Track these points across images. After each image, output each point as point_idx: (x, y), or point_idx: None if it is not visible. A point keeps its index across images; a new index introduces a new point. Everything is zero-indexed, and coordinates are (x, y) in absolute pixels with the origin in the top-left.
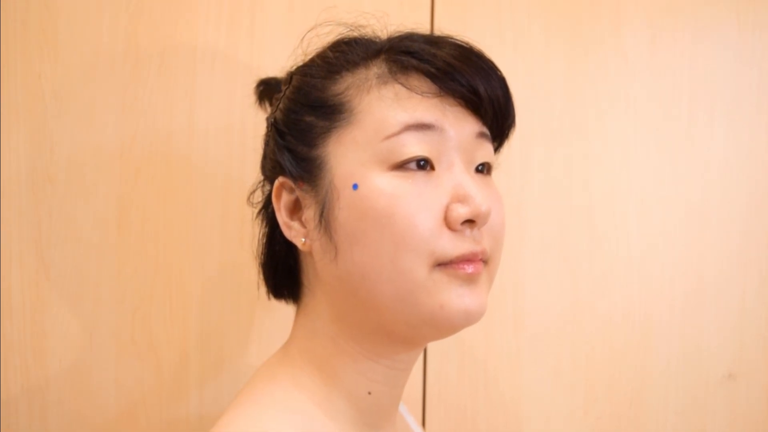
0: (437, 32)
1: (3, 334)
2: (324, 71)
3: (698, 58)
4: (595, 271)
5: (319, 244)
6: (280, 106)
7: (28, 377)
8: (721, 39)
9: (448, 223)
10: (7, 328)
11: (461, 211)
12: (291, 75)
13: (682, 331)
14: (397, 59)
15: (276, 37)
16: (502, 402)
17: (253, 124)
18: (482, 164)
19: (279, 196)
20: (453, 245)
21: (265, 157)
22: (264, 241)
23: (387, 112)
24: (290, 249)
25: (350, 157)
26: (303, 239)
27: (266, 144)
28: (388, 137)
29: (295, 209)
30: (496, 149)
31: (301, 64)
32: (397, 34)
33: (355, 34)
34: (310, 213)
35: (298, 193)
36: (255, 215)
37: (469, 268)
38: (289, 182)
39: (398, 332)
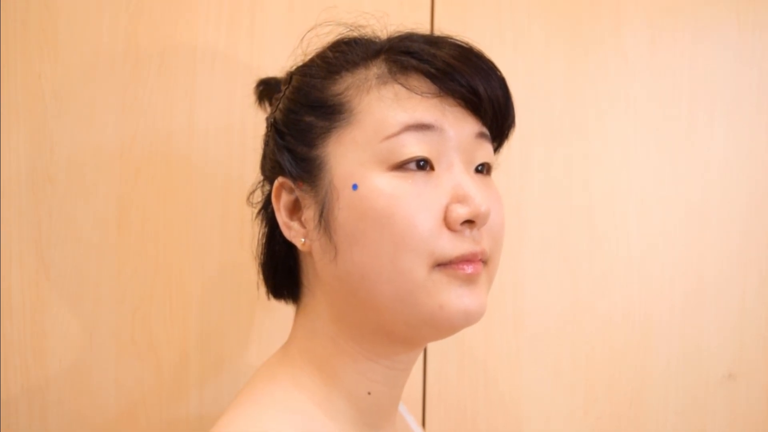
0: (437, 32)
1: (3, 334)
2: (324, 71)
3: (698, 58)
4: (595, 271)
5: (319, 244)
6: (280, 106)
7: (28, 377)
8: (721, 39)
9: (447, 224)
10: (7, 328)
11: (461, 212)
12: (291, 75)
13: (682, 331)
14: (396, 59)
15: (276, 37)
16: (502, 402)
17: (253, 124)
18: (482, 164)
19: (279, 197)
20: (452, 245)
21: (264, 157)
22: (264, 241)
23: (387, 112)
24: (290, 249)
25: (350, 157)
26: (303, 239)
27: (266, 144)
28: (388, 137)
29: (295, 209)
30: (496, 149)
31: (300, 64)
32: (396, 35)
33: (355, 34)
34: (309, 213)
35: (297, 193)
36: (255, 215)
37: (469, 269)
38: (289, 182)
39: (398, 332)
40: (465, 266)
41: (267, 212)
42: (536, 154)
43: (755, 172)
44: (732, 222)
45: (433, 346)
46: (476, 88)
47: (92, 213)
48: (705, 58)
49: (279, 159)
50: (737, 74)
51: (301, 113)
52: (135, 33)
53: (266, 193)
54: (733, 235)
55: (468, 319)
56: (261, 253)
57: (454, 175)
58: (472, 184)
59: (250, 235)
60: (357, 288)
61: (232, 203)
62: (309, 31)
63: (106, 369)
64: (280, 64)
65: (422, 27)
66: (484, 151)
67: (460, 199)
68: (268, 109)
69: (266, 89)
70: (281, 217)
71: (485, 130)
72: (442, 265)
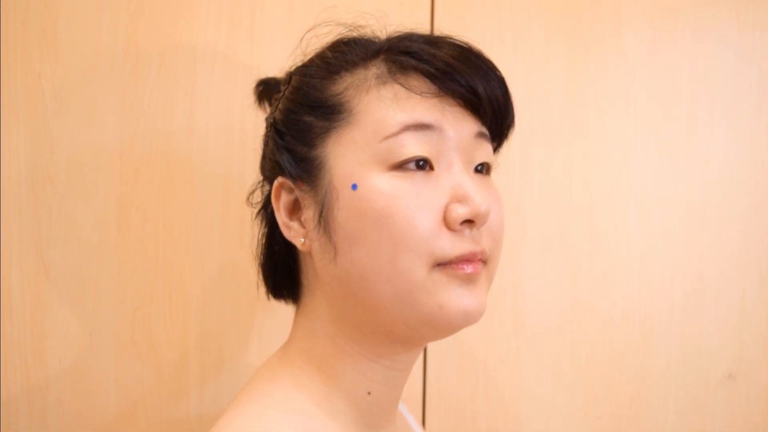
0: (437, 32)
1: (3, 334)
2: (323, 71)
3: (698, 58)
4: (595, 271)
5: (319, 244)
6: (280, 106)
7: (28, 377)
8: (721, 39)
9: (447, 224)
10: (7, 328)
11: (460, 211)
12: (290, 75)
13: (682, 331)
14: (396, 59)
15: (276, 37)
16: (502, 402)
17: (253, 124)
18: (481, 164)
19: (278, 197)
20: (452, 245)
21: (264, 157)
22: (263, 241)
23: (386, 112)
24: (290, 249)
25: (349, 157)
26: (302, 239)
27: (265, 144)
28: (387, 137)
29: (295, 209)
30: (496, 149)
31: (300, 64)
32: (396, 35)
33: (355, 34)
34: (309, 213)
35: (297, 193)
36: (254, 215)
37: (468, 268)
38: (289, 182)
39: (397, 332)
40: (464, 266)
41: (267, 212)
42: (536, 154)
43: (755, 172)
44: (732, 222)
45: (433, 346)
46: (476, 88)
47: (92, 213)
48: (705, 58)
49: (278, 159)
50: (737, 74)
51: (300, 113)
52: (135, 33)
53: (266, 193)
54: (733, 235)
55: (467, 319)
56: (261, 253)
57: (453, 175)
58: (471, 183)
59: (250, 235)
60: (356, 288)
61: (232, 203)
62: (308, 31)
63: (106, 369)
64: (279, 64)
65: (422, 27)
66: (484, 151)
67: (460, 198)
68: (268, 109)
69: (266, 89)
70: (281, 217)
71: (485, 130)
72: (442, 265)
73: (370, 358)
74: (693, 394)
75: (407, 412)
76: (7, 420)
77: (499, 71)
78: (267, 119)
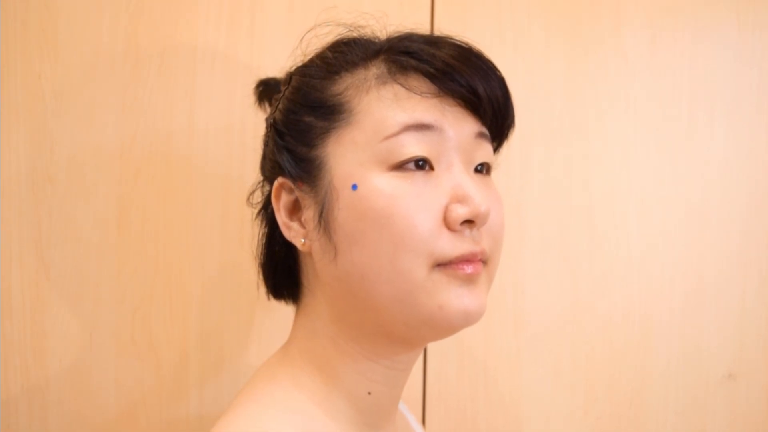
0: (437, 32)
1: (3, 334)
2: (323, 72)
3: (698, 58)
4: (595, 271)
5: (319, 244)
6: (280, 106)
7: (28, 377)
8: (721, 39)
9: (447, 224)
10: (7, 328)
11: (460, 212)
12: (290, 75)
13: (682, 331)
14: (396, 59)
15: (276, 37)
16: (502, 402)
17: (253, 124)
18: (481, 164)
19: (278, 197)
20: (452, 245)
21: (264, 157)
22: (263, 241)
23: (386, 112)
24: (290, 249)
25: (349, 157)
26: (302, 240)
27: (265, 144)
28: (387, 138)
29: (295, 210)
30: (496, 149)
31: (300, 64)
32: (396, 35)
33: (355, 34)
34: (309, 213)
35: (297, 193)
36: (254, 216)
37: (469, 269)
38: (289, 183)
39: (397, 333)
40: (465, 266)
41: (267, 212)
42: (536, 154)
43: (755, 172)
44: (732, 222)
45: (433, 346)
46: (476, 88)
47: (92, 213)
48: (705, 58)
49: (279, 159)
50: (737, 74)
51: (300, 113)
52: (135, 33)
53: (266, 193)
54: (733, 235)
55: (468, 319)
56: (261, 254)
57: (453, 175)
58: (471, 184)
59: (250, 235)
60: (356, 288)
61: (232, 203)
62: (308, 32)
63: (106, 369)
64: (279, 64)
65: (422, 27)
66: (484, 151)
67: (460, 199)
68: (268, 110)
69: (266, 89)
70: (281, 217)
71: (485, 130)
72: (442, 265)
73: (370, 358)
74: (693, 394)
75: (407, 411)
76: (7, 420)
77: (499, 71)
78: (267, 119)
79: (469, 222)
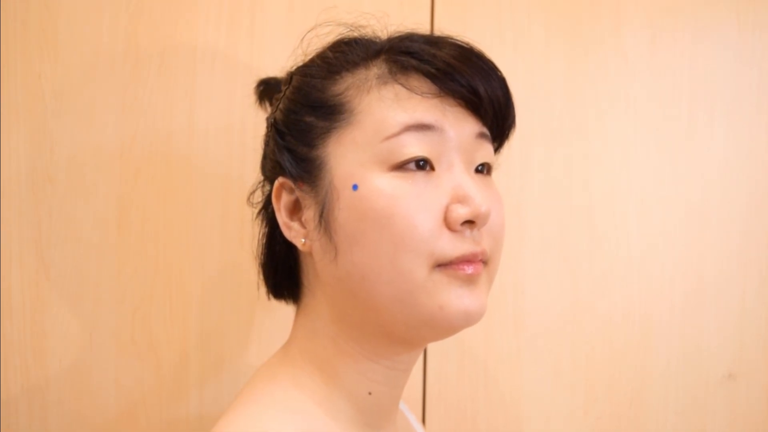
0: (437, 32)
1: (3, 334)
2: (324, 71)
3: (698, 58)
4: (595, 271)
5: (319, 244)
6: (280, 106)
7: (28, 377)
8: (721, 39)
9: (447, 224)
10: (7, 328)
11: (461, 212)
12: (291, 75)
13: (682, 331)
14: (397, 59)
15: (276, 37)
16: (502, 402)
17: (253, 124)
18: (482, 165)
19: (279, 197)
20: (453, 246)
21: (265, 157)
22: (264, 241)
23: (387, 112)
24: (290, 249)
25: (350, 157)
26: (303, 240)
27: (266, 144)
28: (388, 138)
29: (295, 209)
30: (496, 150)
31: (301, 64)
32: (397, 35)
33: (355, 34)
34: (309, 213)
35: (297, 193)
36: (255, 215)
37: (469, 269)
38: (289, 182)
39: (398, 333)
40: (465, 266)
41: (267, 212)
42: (536, 154)
43: (755, 172)
44: (732, 222)
45: (433, 346)
46: (476, 89)
47: (92, 213)
48: (705, 58)
49: (279, 159)
50: (737, 74)
51: (301, 113)
52: (135, 33)
53: (266, 193)
54: (733, 235)
55: (468, 319)
56: (261, 253)
57: (454, 176)
58: (472, 184)
59: (250, 235)
60: (357, 288)
61: (232, 203)
62: (309, 32)
63: (106, 369)
64: (280, 64)
65: (422, 27)
66: (485, 152)
67: (461, 199)
68: (269, 109)
69: (266, 89)
70: (281, 217)
71: (485, 131)
72: (443, 265)
73: (371, 358)
74: (693, 394)
75: (408, 411)
76: (7, 420)
77: (500, 71)
78: (268, 119)
79: (469, 222)
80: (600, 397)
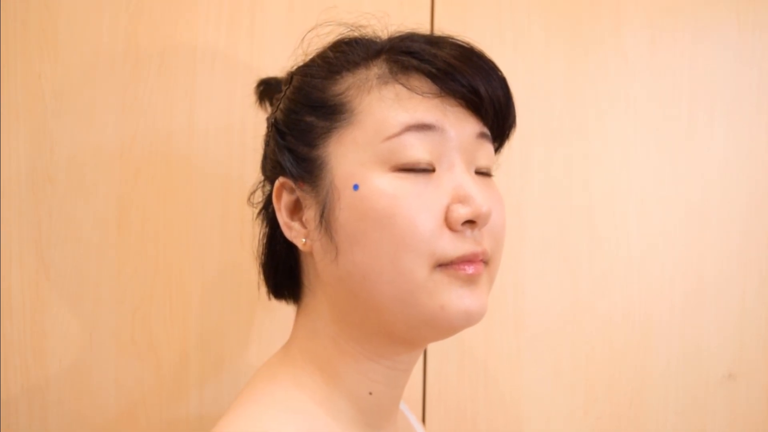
0: (437, 32)
1: (3, 334)
2: (324, 71)
3: (698, 58)
4: (595, 271)
5: (320, 244)
6: (281, 106)
7: (28, 377)
8: (721, 39)
9: (448, 224)
10: (7, 328)
11: (462, 212)
12: (291, 75)
13: (682, 331)
14: (397, 59)
15: (276, 37)
16: (502, 402)
17: (253, 124)
18: (483, 165)
19: (279, 197)
20: (453, 246)
21: (265, 157)
22: (264, 241)
23: (387, 112)
24: (291, 249)
25: (351, 157)
26: (303, 240)
27: (267, 144)
28: (389, 138)
29: (296, 209)
30: (497, 150)
31: (301, 64)
32: (397, 35)
33: (356, 34)
34: (310, 213)
35: (298, 193)
36: (255, 215)
37: (470, 269)
38: (290, 182)
39: (398, 333)
40: (466, 267)
41: (268, 212)
42: (536, 154)
43: (755, 172)
44: (732, 222)
45: (433, 346)
46: (477, 88)
47: (92, 213)
48: (705, 58)
49: (280, 159)
50: (737, 74)
51: (302, 113)
52: (135, 33)
53: (267, 193)
54: (733, 235)
55: (469, 319)
56: (262, 253)
57: (455, 176)
58: (473, 184)
59: (250, 235)
60: (358, 288)
61: (232, 203)
62: (309, 32)
63: (106, 369)
64: (280, 64)
65: (422, 27)
66: (485, 152)
67: (461, 199)
68: (269, 109)
69: (267, 89)
70: (282, 217)
71: (486, 131)
72: (443, 265)
73: (372, 358)
74: (693, 394)
75: (408, 411)
76: (7, 420)
77: (500, 71)
78: (268, 119)
79: (470, 222)
80: (600, 397)
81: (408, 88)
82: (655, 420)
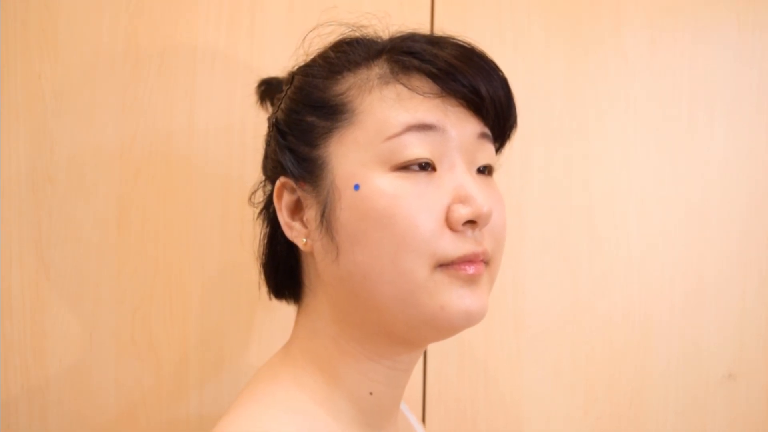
0: (438, 32)
1: (3, 334)
2: (326, 71)
3: (698, 58)
4: (595, 271)
5: (321, 244)
6: (282, 106)
7: (28, 377)
8: (721, 39)
9: (449, 224)
10: (7, 328)
11: (463, 212)
12: (293, 75)
13: (682, 331)
14: (398, 59)
15: (276, 37)
16: (502, 402)
17: (253, 124)
18: (484, 165)
19: (280, 197)
20: (454, 246)
21: (266, 157)
22: (265, 241)
23: (388, 112)
24: (291, 249)
25: (351, 157)
26: (304, 239)
27: (267, 144)
28: (390, 138)
29: (297, 209)
30: (498, 150)
31: (302, 64)
32: (398, 35)
33: (357, 34)
34: (311, 213)
35: (299, 193)
36: (256, 215)
37: (471, 269)
38: (291, 182)
39: (399, 333)
40: (467, 267)
41: (269, 212)
42: (536, 154)
43: (755, 172)
44: (732, 222)
45: (433, 346)
46: (478, 89)
47: (92, 213)
48: (705, 58)
49: (281, 159)
50: (737, 74)
51: (303, 113)
52: (135, 33)
53: (268, 193)
54: (733, 235)
55: (469, 319)
56: (263, 253)
57: (455, 176)
58: (474, 184)
59: (250, 235)
60: (358, 288)
61: (232, 203)
62: (310, 32)
63: (106, 369)
64: (280, 64)
65: (422, 27)
66: (486, 152)
67: (462, 199)
68: (270, 109)
69: (268, 89)
70: (283, 217)
71: (487, 131)
72: (444, 265)
73: (372, 358)
74: (693, 394)
75: (408, 411)
76: (7, 420)
77: (501, 72)
78: (269, 119)
79: (471, 222)
80: (600, 397)
81: (409, 88)
82: (655, 420)
